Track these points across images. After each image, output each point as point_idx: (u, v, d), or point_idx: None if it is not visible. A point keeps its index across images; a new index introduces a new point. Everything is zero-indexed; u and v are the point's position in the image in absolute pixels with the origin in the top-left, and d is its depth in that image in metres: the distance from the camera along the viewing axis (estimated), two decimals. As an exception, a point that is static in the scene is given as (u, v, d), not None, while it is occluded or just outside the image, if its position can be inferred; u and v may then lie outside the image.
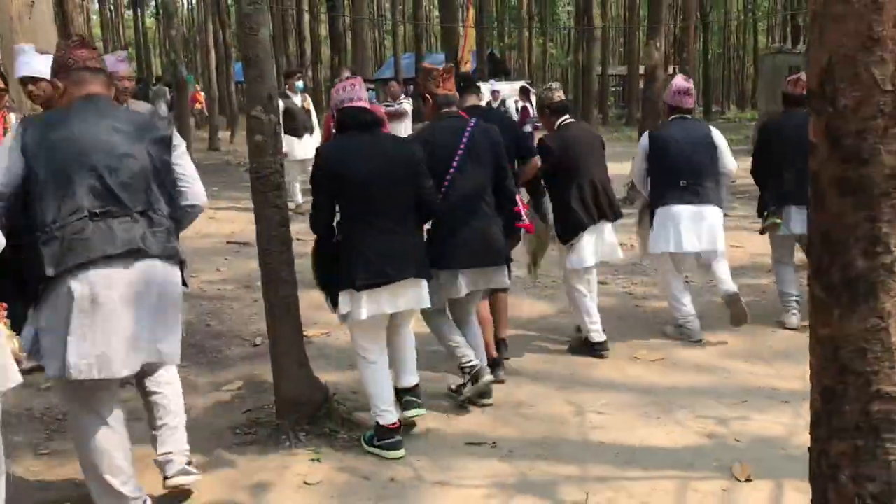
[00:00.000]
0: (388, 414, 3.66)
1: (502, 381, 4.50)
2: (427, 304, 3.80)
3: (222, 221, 10.09)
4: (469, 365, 4.15)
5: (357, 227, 3.62)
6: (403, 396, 3.90)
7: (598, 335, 5.05)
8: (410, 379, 3.96)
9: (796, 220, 5.38)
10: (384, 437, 3.63)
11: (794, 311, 5.52)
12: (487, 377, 4.16)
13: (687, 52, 18.68)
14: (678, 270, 5.45)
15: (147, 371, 3.18)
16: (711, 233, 5.18)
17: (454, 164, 4.08)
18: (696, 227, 5.14)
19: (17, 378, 2.56)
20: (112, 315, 2.76)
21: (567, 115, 5.14)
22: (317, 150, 3.78)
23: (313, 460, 3.56)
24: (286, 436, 3.74)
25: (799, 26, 33.62)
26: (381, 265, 3.56)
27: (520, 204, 4.54)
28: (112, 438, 2.93)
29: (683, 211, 5.15)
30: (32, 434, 3.88)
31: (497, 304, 4.82)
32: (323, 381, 4.03)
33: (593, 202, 4.92)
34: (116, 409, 2.97)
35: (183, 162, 3.13)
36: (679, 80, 5.49)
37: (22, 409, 4.15)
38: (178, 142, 3.12)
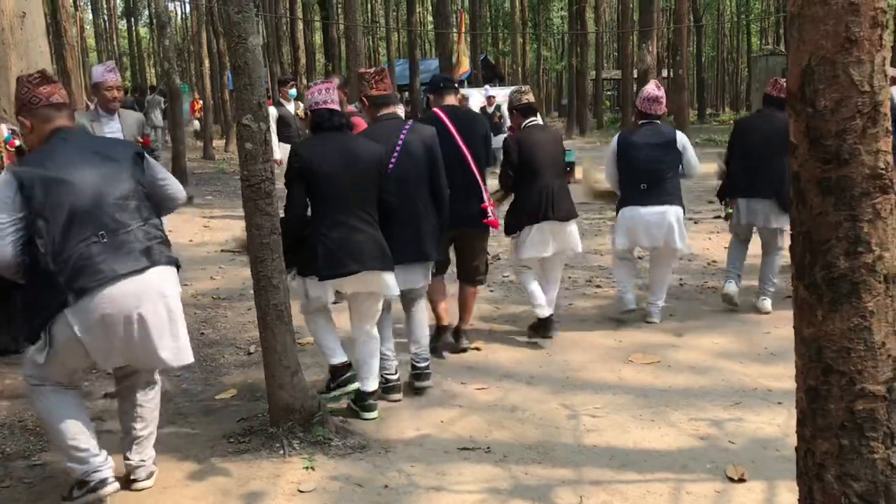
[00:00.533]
0: (339, 356, 4.07)
1: (476, 349, 5.16)
2: (394, 291, 4.09)
3: (216, 230, 10.10)
4: (387, 378, 4.39)
5: (324, 221, 3.91)
6: (364, 400, 4.14)
7: (542, 311, 5.33)
8: (372, 384, 4.16)
9: (747, 211, 5.80)
10: (339, 375, 4.03)
11: (732, 280, 5.94)
12: (395, 396, 4.40)
13: (680, 54, 18.73)
14: (632, 267, 5.91)
15: (138, 384, 3.41)
16: (670, 232, 5.48)
17: (390, 164, 4.24)
18: (654, 227, 5.49)
19: None
20: (127, 326, 3.02)
21: (533, 118, 5.39)
22: (291, 147, 4.07)
23: (307, 468, 3.55)
24: (280, 444, 3.73)
25: (791, 28, 33.76)
26: (344, 258, 3.87)
27: (486, 200, 4.84)
28: (80, 415, 3.22)
29: (643, 212, 5.49)
30: (25, 444, 3.87)
31: (463, 300, 5.19)
32: (317, 388, 4.03)
33: (542, 203, 5.17)
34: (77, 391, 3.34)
35: (157, 169, 3.39)
36: (650, 87, 5.69)
37: (15, 420, 4.15)
38: (146, 154, 3.39)
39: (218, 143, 22.38)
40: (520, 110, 5.41)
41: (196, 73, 29.06)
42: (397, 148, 4.29)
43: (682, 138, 5.66)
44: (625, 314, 5.78)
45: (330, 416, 3.93)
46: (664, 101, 5.70)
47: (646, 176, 5.49)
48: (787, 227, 5.28)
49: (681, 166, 5.68)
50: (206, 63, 22.40)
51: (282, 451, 3.69)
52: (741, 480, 3.41)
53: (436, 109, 4.93)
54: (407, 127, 4.37)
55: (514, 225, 5.31)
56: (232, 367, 5.07)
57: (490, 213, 4.88)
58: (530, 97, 5.45)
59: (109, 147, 3.29)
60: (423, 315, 4.62)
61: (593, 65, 34.72)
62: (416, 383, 4.47)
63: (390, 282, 4.03)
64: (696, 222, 9.92)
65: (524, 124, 5.37)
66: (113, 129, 5.44)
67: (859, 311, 1.64)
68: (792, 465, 3.50)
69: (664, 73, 25.32)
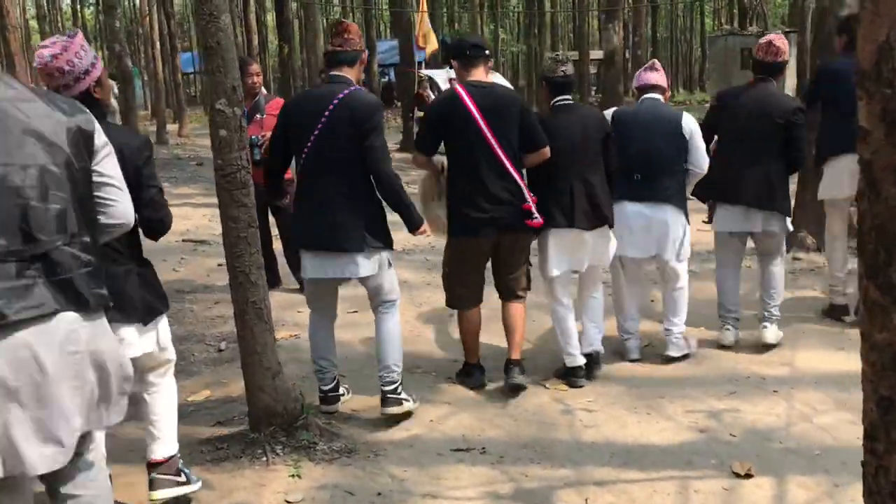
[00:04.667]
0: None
1: (524, 388, 4.18)
2: (138, 350, 2.87)
3: (176, 218, 9.64)
4: (321, 389, 4.00)
5: None
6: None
7: (571, 359, 4.33)
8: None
9: (732, 218, 4.72)
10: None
11: (730, 327, 4.81)
12: (331, 407, 4.00)
13: (639, 35, 18.68)
14: (632, 277, 4.71)
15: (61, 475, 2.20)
16: (663, 238, 4.44)
17: (311, 139, 3.68)
18: (645, 230, 4.43)
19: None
20: (15, 399, 1.97)
21: (566, 96, 4.34)
22: None
23: (293, 476, 3.33)
24: (262, 450, 3.51)
25: (746, 8, 34.03)
26: None
27: (528, 199, 4.03)
28: None
29: (631, 210, 4.43)
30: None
31: (508, 320, 4.27)
32: (299, 388, 3.81)
33: (560, 205, 4.16)
34: None
35: (108, 169, 2.30)
36: (646, 64, 4.87)
37: None
38: (102, 142, 2.26)
39: (171, 126, 21.76)
40: (551, 83, 4.30)
41: (146, 56, 28.28)
42: (322, 120, 3.65)
43: (689, 121, 4.53)
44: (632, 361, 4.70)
45: (314, 419, 3.72)
46: (662, 71, 4.70)
47: (641, 164, 4.41)
48: (781, 230, 4.68)
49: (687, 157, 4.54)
50: (157, 46, 21.76)
51: (265, 458, 3.47)
52: (748, 476, 3.29)
53: (457, 87, 4.05)
54: (342, 94, 3.67)
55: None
56: (202, 365, 4.81)
57: (534, 213, 4.05)
58: (568, 68, 4.32)
59: (38, 115, 2.10)
60: (388, 328, 3.91)
61: (550, 46, 34.60)
62: (382, 409, 3.85)
63: (130, 338, 2.83)
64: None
65: (554, 102, 4.32)
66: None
67: (942, 313, 1.47)
68: (798, 458, 3.43)
69: (623, 54, 25.30)
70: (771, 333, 4.77)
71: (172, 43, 22.31)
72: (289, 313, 5.66)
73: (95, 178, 2.26)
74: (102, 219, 2.31)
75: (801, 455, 3.46)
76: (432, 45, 14.89)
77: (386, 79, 33.08)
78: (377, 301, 3.96)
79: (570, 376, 4.34)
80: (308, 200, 3.80)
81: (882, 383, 1.58)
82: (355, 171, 3.74)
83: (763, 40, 4.83)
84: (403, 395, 3.89)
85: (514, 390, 4.18)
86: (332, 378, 4.01)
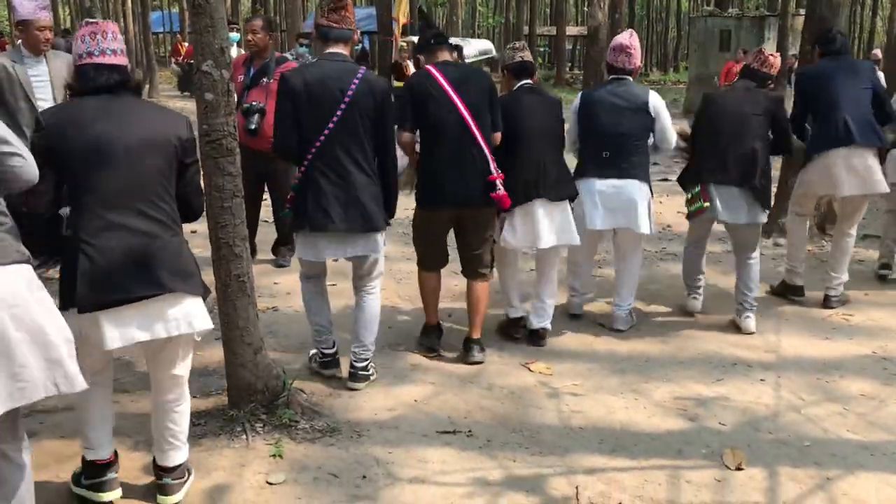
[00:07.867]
0: (99, 449, 2.90)
1: (480, 362, 4.32)
2: (204, 325, 2.77)
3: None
4: (324, 353, 4.04)
5: (85, 224, 2.63)
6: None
7: (514, 311, 4.69)
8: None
9: (721, 205, 4.80)
10: (91, 476, 2.89)
11: (697, 296, 5.16)
12: (331, 371, 4.04)
13: (619, 13, 18.50)
14: (591, 251, 5.08)
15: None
16: (631, 210, 4.61)
17: (335, 117, 3.64)
18: (613, 204, 4.63)
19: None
20: None
21: (527, 79, 4.60)
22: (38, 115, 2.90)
23: (274, 456, 3.21)
24: (242, 428, 3.39)
25: (724, -10, 33.94)
26: (118, 277, 2.60)
27: (494, 172, 4.13)
28: None
29: (600, 186, 4.63)
30: None
31: (471, 300, 4.35)
32: (281, 364, 3.69)
33: (531, 179, 4.34)
34: None
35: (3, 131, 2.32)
36: (621, 36, 4.85)
37: None
38: None
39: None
40: (511, 70, 4.61)
41: (115, 13, 27.46)
42: (345, 99, 3.63)
43: (655, 101, 4.67)
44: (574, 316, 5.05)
45: (296, 397, 3.60)
46: (636, 53, 4.70)
47: (609, 142, 4.62)
48: (762, 221, 4.88)
49: (652, 135, 4.71)
50: (128, 3, 21.15)
51: (244, 436, 3.35)
52: (739, 468, 3.24)
53: (428, 66, 4.24)
54: (361, 73, 3.70)
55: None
56: (177, 336, 4.64)
57: (498, 186, 4.13)
58: (526, 54, 4.62)
59: None
60: (372, 307, 3.98)
61: (526, 20, 34.38)
62: (349, 383, 3.93)
63: (195, 310, 2.75)
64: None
65: (515, 86, 4.59)
66: (39, 72, 4.85)
67: None
68: (789, 449, 3.39)
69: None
70: (752, 323, 4.88)
71: (143, 1, 21.69)
72: (265, 283, 5.51)
73: None
74: None
75: (790, 446, 3.42)
76: (402, 12, 14.70)
77: (359, 46, 32.56)
78: (368, 278, 3.99)
79: (511, 328, 4.70)
80: (327, 181, 3.70)
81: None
82: (371, 150, 3.80)
83: (761, 52, 5.11)
84: (371, 371, 4.02)
85: (472, 364, 4.29)
86: (332, 342, 4.04)
